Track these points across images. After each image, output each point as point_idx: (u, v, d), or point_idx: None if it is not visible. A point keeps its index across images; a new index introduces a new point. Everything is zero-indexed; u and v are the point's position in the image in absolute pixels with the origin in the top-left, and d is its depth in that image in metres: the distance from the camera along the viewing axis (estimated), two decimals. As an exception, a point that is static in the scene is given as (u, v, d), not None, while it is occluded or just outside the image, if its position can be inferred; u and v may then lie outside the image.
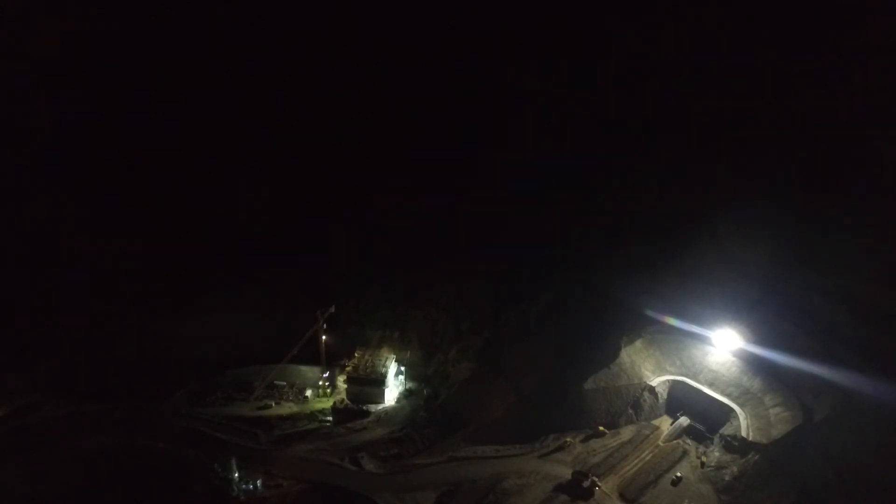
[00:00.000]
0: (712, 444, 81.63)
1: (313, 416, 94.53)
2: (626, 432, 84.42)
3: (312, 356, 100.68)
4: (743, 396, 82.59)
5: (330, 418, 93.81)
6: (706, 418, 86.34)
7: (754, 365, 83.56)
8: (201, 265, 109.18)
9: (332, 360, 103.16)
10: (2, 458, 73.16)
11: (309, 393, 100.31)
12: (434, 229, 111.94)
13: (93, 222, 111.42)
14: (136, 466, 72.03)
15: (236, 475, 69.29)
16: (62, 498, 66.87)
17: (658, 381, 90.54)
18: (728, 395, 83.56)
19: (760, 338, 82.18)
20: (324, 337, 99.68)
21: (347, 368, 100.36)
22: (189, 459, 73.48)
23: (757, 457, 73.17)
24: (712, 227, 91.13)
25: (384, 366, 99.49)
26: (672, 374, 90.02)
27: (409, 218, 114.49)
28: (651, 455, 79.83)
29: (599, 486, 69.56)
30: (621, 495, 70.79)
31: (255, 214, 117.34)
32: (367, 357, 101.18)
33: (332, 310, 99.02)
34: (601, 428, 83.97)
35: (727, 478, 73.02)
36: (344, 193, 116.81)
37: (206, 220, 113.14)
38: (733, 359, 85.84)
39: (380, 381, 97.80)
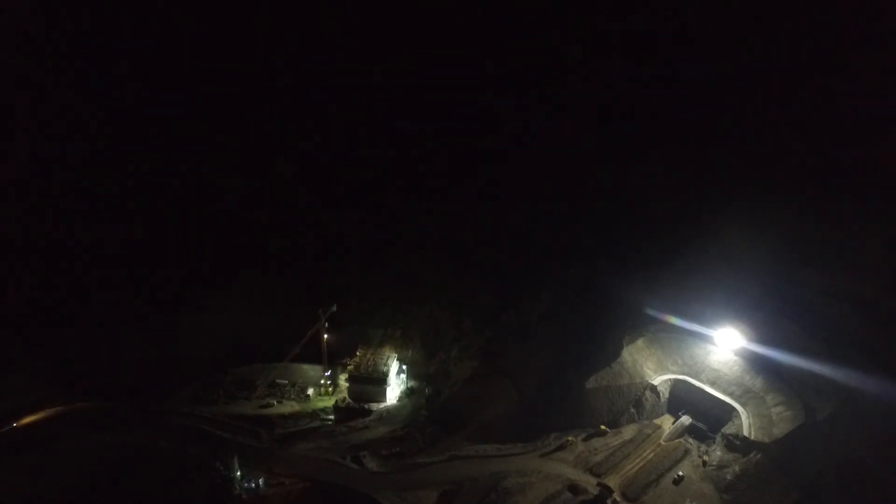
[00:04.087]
0: (714, 443, 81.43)
1: (315, 414, 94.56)
2: (628, 431, 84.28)
3: (314, 355, 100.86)
4: (745, 395, 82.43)
5: (332, 417, 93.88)
6: (708, 417, 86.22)
7: (756, 364, 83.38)
8: (202, 264, 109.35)
9: (333, 359, 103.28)
10: (4, 456, 73.39)
11: (311, 391, 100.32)
12: (436, 229, 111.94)
13: (95, 218, 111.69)
14: (138, 465, 72.08)
15: (238, 473, 69.38)
16: (64, 496, 66.79)
17: (660, 379, 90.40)
18: (730, 395, 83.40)
19: (762, 336, 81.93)
20: (325, 336, 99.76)
21: (349, 367, 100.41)
22: (191, 458, 73.53)
23: (759, 456, 72.94)
24: (715, 225, 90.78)
25: (386, 364, 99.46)
26: (674, 372, 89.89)
27: (412, 217, 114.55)
28: (653, 454, 79.71)
29: None
30: (623, 494, 70.57)
31: (258, 214, 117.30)
32: (368, 356, 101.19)
33: (334, 308, 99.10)
34: (603, 427, 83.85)
35: (729, 477, 72.78)
36: (347, 193, 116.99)
37: (207, 219, 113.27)
38: (735, 358, 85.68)
39: (381, 380, 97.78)
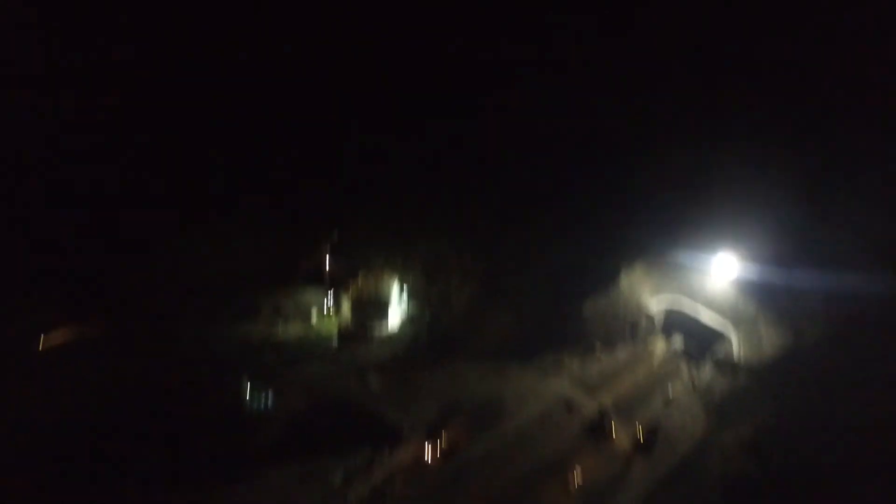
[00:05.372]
0: (704, 365, 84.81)
1: (319, 338, 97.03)
2: (622, 352, 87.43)
3: (316, 280, 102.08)
4: (738, 319, 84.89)
5: (335, 340, 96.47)
6: (700, 341, 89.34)
7: (751, 289, 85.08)
8: (203, 189, 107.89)
9: (335, 284, 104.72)
10: (13, 377, 74.80)
11: (314, 316, 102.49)
12: (437, 150, 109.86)
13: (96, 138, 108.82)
14: (150, 384, 74.55)
15: (248, 392, 72.17)
16: (77, 416, 68.74)
17: (655, 303, 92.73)
18: (723, 319, 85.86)
19: (760, 260, 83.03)
20: (327, 260, 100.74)
21: (351, 292, 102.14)
22: (202, 377, 76.12)
23: (746, 377, 76.26)
24: (719, 151, 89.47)
25: (387, 289, 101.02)
26: (669, 297, 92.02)
27: (413, 138, 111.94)
28: (645, 374, 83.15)
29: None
30: (615, 410, 73.98)
31: (256, 136, 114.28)
32: (369, 281, 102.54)
33: (335, 233, 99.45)
34: (598, 348, 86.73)
35: (717, 395, 76.47)
36: (346, 115, 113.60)
37: (206, 142, 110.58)
38: (731, 283, 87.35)
39: (383, 305, 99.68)
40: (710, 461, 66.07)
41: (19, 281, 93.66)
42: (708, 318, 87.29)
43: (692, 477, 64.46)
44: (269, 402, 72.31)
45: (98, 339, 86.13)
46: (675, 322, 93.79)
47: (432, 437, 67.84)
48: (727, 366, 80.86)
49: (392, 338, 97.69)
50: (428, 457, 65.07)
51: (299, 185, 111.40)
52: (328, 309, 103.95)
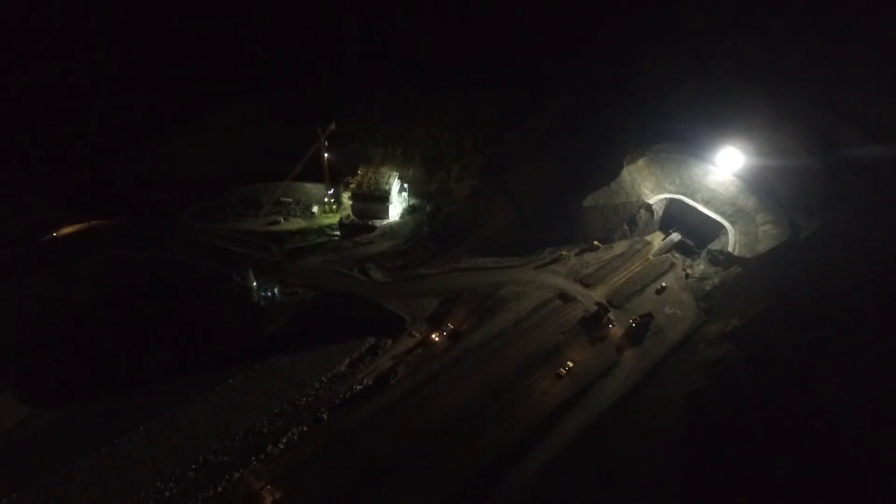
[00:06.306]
0: (699, 258, 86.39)
1: (321, 230, 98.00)
2: (619, 247, 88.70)
3: (316, 173, 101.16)
4: (736, 214, 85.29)
5: (337, 233, 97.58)
6: (697, 235, 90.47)
7: (752, 184, 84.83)
8: (198, 85, 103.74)
9: (335, 178, 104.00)
10: (30, 268, 77.37)
11: (315, 209, 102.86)
12: (435, 42, 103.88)
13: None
14: (160, 276, 76.79)
15: (255, 284, 74.46)
16: (96, 301, 72.31)
17: (656, 199, 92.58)
18: (722, 214, 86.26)
19: (762, 154, 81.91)
20: (326, 154, 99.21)
21: (351, 185, 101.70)
22: (210, 270, 78.00)
23: (739, 269, 77.92)
24: (734, 41, 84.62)
25: (387, 182, 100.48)
26: (670, 192, 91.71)
27: (410, 31, 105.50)
28: (640, 267, 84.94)
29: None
30: (609, 302, 76.83)
31: (255, 29, 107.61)
32: (370, 174, 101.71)
33: (333, 127, 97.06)
34: (596, 242, 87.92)
35: (708, 287, 78.54)
36: (344, 7, 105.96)
37: (205, 36, 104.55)
38: (732, 178, 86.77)
39: (383, 198, 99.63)
40: (697, 347, 69.49)
41: (30, 178, 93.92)
42: (707, 211, 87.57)
43: (679, 361, 68.22)
44: (275, 294, 74.71)
45: (107, 231, 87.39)
46: (675, 216, 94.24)
47: (433, 325, 71.29)
48: (722, 258, 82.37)
49: (393, 230, 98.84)
50: (429, 344, 68.59)
51: (297, 79, 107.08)
52: (329, 202, 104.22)
